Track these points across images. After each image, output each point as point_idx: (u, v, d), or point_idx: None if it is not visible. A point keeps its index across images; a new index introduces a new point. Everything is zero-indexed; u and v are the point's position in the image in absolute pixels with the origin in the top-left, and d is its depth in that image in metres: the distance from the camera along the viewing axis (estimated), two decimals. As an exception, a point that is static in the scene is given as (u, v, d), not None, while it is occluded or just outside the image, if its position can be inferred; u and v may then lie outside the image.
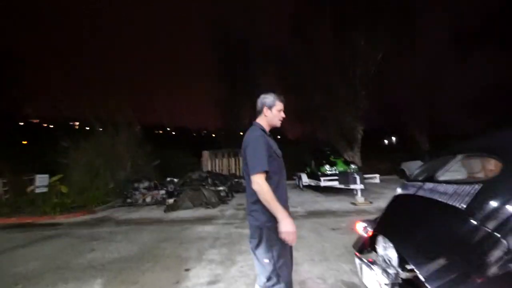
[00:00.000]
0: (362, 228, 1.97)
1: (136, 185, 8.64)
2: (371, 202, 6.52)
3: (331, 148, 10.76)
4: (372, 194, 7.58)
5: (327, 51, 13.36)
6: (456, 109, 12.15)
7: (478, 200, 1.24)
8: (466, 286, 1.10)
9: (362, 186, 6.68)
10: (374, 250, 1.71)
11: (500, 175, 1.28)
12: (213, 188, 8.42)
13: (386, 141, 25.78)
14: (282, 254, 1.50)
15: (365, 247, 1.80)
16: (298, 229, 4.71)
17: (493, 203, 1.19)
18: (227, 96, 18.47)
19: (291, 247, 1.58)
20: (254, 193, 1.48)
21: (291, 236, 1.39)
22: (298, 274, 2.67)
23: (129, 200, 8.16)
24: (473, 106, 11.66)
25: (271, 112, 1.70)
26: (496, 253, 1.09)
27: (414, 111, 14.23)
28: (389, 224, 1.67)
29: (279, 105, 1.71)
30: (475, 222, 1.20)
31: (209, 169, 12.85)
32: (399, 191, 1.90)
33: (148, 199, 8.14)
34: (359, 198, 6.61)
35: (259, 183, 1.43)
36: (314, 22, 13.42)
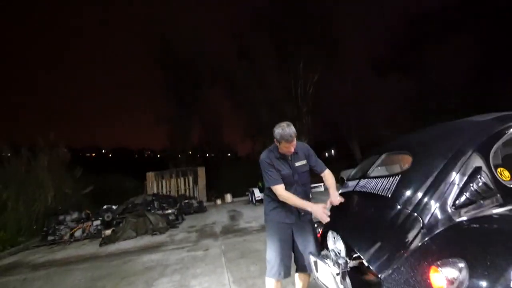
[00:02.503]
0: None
1: (61, 218, 7.22)
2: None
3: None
4: (318, 202, 8.17)
5: (271, 72, 14.54)
6: (378, 122, 14.62)
7: (399, 188, 1.51)
8: (397, 261, 1.29)
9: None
10: (326, 246, 1.85)
11: (411, 166, 1.59)
12: (160, 212, 7.71)
13: (327, 154, 28.63)
14: (275, 243, 1.85)
15: (318, 245, 1.93)
16: (254, 243, 4.67)
17: (409, 189, 1.46)
18: (173, 115, 17.74)
19: (300, 242, 1.91)
20: (263, 192, 2.06)
21: (323, 217, 1.71)
22: (258, 287, 2.63)
23: (51, 238, 6.70)
24: (390, 119, 14.20)
25: (279, 144, 1.86)
26: (415, 229, 1.33)
27: (346, 126, 16.43)
28: (335, 219, 1.85)
29: (284, 144, 1.82)
30: (399, 207, 1.44)
31: (155, 191, 11.78)
32: (341, 190, 2.14)
33: (77, 234, 6.85)
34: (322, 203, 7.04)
35: (280, 194, 1.81)
36: (257, 46, 14.57)
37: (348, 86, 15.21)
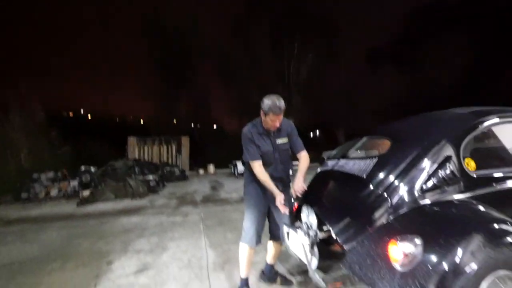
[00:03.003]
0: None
1: (35, 176, 6.98)
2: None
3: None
4: (298, 180, 8.50)
5: (265, 50, 14.08)
6: (365, 112, 14.94)
7: (374, 170, 1.58)
8: (362, 235, 1.41)
9: (291, 172, 7.39)
10: (299, 219, 1.95)
11: (389, 151, 1.66)
12: (141, 177, 7.66)
13: (312, 134, 29.19)
14: (250, 212, 1.93)
15: (292, 217, 2.04)
16: (233, 212, 4.82)
17: (383, 172, 1.53)
18: (160, 86, 16.95)
19: (273, 207, 1.93)
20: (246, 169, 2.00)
21: (281, 208, 1.74)
22: (232, 252, 2.78)
23: (24, 195, 6.53)
24: (378, 110, 14.52)
25: (265, 117, 1.81)
26: (383, 208, 1.42)
27: (335, 112, 16.66)
28: (311, 195, 1.94)
29: (272, 116, 1.77)
30: (371, 187, 1.53)
31: (137, 157, 11.58)
32: (319, 168, 2.22)
33: (53, 193, 6.71)
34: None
35: (255, 170, 1.82)
36: (253, 27, 13.98)
37: (341, 72, 15.17)
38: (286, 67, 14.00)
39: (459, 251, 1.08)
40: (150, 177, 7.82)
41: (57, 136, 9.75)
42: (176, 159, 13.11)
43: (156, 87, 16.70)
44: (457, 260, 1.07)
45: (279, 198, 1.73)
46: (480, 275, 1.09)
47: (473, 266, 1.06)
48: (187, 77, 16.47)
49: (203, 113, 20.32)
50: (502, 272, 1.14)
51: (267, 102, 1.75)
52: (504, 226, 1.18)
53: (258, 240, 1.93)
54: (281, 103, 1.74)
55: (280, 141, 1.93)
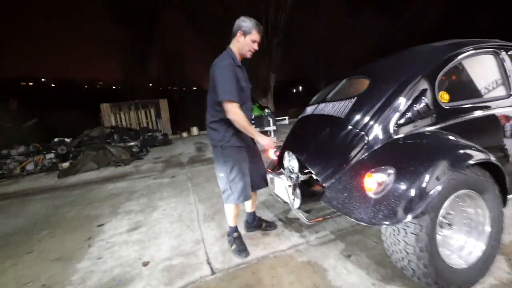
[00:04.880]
0: (272, 153, 2.24)
1: (4, 152, 6.54)
2: (282, 141, 7.46)
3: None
4: (283, 134, 8.62)
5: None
6: (346, 60, 14.63)
7: (353, 109, 1.58)
8: (340, 173, 1.46)
9: (274, 128, 7.47)
10: (282, 166, 2.00)
11: (367, 89, 1.64)
12: (122, 144, 7.43)
13: (294, 90, 28.81)
14: (235, 169, 1.71)
15: (275, 165, 2.09)
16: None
17: (361, 110, 1.54)
18: (126, 43, 15.08)
19: (257, 163, 1.90)
20: (214, 114, 1.69)
21: (271, 145, 1.71)
22: (221, 204, 2.90)
23: (-2, 172, 6.20)
24: (358, 57, 14.26)
25: (245, 39, 1.62)
26: (360, 146, 1.46)
27: (316, 63, 16.18)
28: (292, 141, 1.96)
29: (255, 35, 1.60)
30: (350, 126, 1.54)
31: (113, 124, 11.05)
32: (300, 115, 2.21)
33: (29, 167, 6.41)
34: (272, 138, 7.43)
35: (235, 112, 1.56)
36: None
37: (321, 20, 14.20)
38: (263, 15, 12.77)
39: (426, 176, 1.16)
40: (132, 143, 7.61)
41: (19, 109, 8.89)
42: (157, 124, 12.69)
43: (122, 46, 15.01)
44: (424, 184, 1.15)
45: (267, 142, 1.66)
46: (443, 195, 1.20)
47: (438, 188, 1.16)
48: (154, 30, 14.76)
49: (178, 73, 19.02)
50: (461, 191, 1.27)
51: (247, 20, 1.61)
52: (468, 151, 1.26)
53: (249, 195, 1.80)
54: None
55: (247, 77, 1.79)
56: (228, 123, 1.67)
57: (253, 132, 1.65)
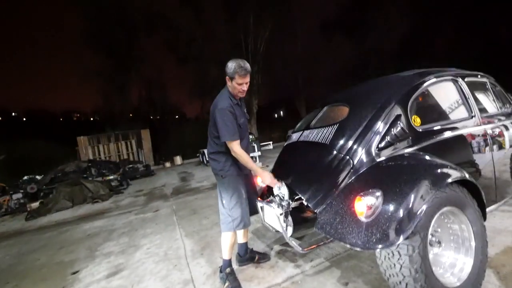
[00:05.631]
0: (260, 181, 2.24)
1: (-37, 194, 5.91)
2: (267, 166, 7.49)
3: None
4: (268, 159, 8.69)
5: (219, 25, 13.34)
6: (324, 83, 15.64)
7: (336, 135, 1.65)
8: (330, 198, 1.49)
9: (259, 153, 7.52)
10: (271, 193, 1.99)
11: (347, 116, 1.75)
12: (100, 179, 7.02)
13: (276, 115, 29.70)
14: (235, 196, 1.77)
15: (265, 193, 2.07)
16: (206, 200, 4.72)
17: (344, 136, 1.62)
18: (105, 69, 15.03)
19: (250, 190, 1.93)
20: (214, 147, 1.81)
21: (272, 184, 1.73)
22: (209, 237, 2.77)
23: (-47, 218, 5.51)
24: (334, 79, 15.32)
25: (231, 83, 1.69)
26: (346, 170, 1.52)
27: (295, 85, 17.07)
28: (280, 168, 1.98)
29: (239, 79, 1.65)
30: (335, 152, 1.60)
31: (91, 157, 10.53)
32: (286, 142, 2.26)
33: (-8, 210, 5.79)
34: (258, 164, 7.44)
35: (235, 151, 1.68)
36: None
37: (297, 45, 15.35)
38: (244, 45, 13.51)
39: (412, 196, 1.21)
40: (111, 176, 7.22)
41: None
42: (138, 155, 12.28)
43: (100, 74, 14.82)
44: (411, 204, 1.20)
45: (266, 176, 1.72)
46: (430, 214, 1.25)
47: (424, 207, 1.21)
48: (134, 57, 14.87)
49: (160, 100, 19.00)
50: (445, 208, 1.33)
51: (231, 64, 1.65)
52: (445, 170, 1.35)
53: (248, 222, 1.83)
54: (246, 64, 1.66)
55: (245, 110, 1.87)
56: (227, 154, 1.78)
57: (253, 167, 1.75)
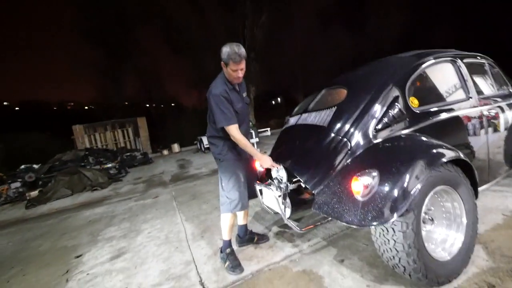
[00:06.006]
0: (259, 165, 2.26)
1: (-39, 184, 5.90)
2: (265, 152, 7.50)
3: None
4: (265, 146, 8.72)
5: (215, 14, 12.94)
6: (321, 72, 15.45)
7: (334, 118, 1.66)
8: (328, 179, 1.51)
9: (257, 140, 7.52)
10: (270, 176, 2.02)
11: (346, 98, 1.74)
12: (98, 167, 7.03)
13: (273, 102, 29.48)
14: (232, 180, 1.80)
15: (263, 176, 2.10)
16: (205, 186, 4.75)
17: (342, 118, 1.62)
18: (101, 59, 14.65)
19: (249, 174, 1.95)
20: (212, 132, 1.83)
21: (271, 166, 1.75)
22: (209, 221, 2.83)
23: (-47, 208, 5.53)
24: (331, 69, 15.12)
25: (226, 69, 1.65)
26: (344, 152, 1.53)
27: (293, 75, 16.88)
28: (279, 151, 2.00)
29: (232, 66, 1.61)
30: (333, 134, 1.61)
31: (88, 146, 10.47)
32: (284, 126, 2.27)
33: (-9, 199, 5.82)
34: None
35: (234, 135, 1.69)
36: None
37: (295, 33, 15.02)
38: (240, 31, 13.17)
39: (407, 176, 1.24)
40: (109, 165, 7.23)
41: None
42: (135, 143, 12.23)
43: (95, 63, 14.51)
44: (406, 183, 1.23)
45: (265, 160, 1.72)
46: (424, 192, 1.28)
47: (418, 186, 1.24)
48: (129, 48, 14.51)
49: (156, 89, 18.70)
50: (439, 187, 1.37)
51: (225, 50, 1.60)
52: (440, 150, 1.37)
53: (246, 204, 1.87)
54: (240, 49, 1.60)
55: (244, 95, 1.86)
56: (224, 139, 1.80)
57: (252, 151, 1.75)
